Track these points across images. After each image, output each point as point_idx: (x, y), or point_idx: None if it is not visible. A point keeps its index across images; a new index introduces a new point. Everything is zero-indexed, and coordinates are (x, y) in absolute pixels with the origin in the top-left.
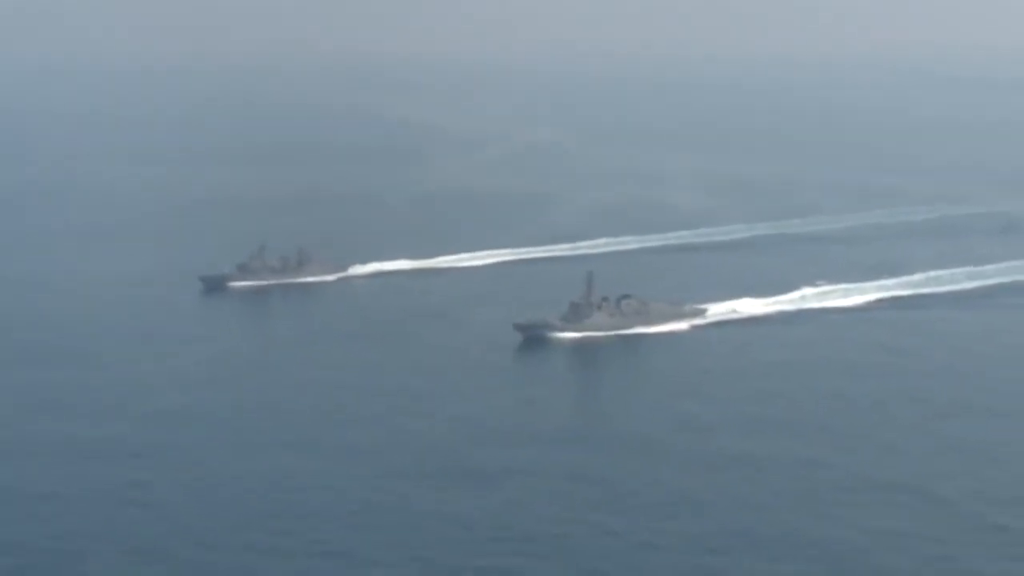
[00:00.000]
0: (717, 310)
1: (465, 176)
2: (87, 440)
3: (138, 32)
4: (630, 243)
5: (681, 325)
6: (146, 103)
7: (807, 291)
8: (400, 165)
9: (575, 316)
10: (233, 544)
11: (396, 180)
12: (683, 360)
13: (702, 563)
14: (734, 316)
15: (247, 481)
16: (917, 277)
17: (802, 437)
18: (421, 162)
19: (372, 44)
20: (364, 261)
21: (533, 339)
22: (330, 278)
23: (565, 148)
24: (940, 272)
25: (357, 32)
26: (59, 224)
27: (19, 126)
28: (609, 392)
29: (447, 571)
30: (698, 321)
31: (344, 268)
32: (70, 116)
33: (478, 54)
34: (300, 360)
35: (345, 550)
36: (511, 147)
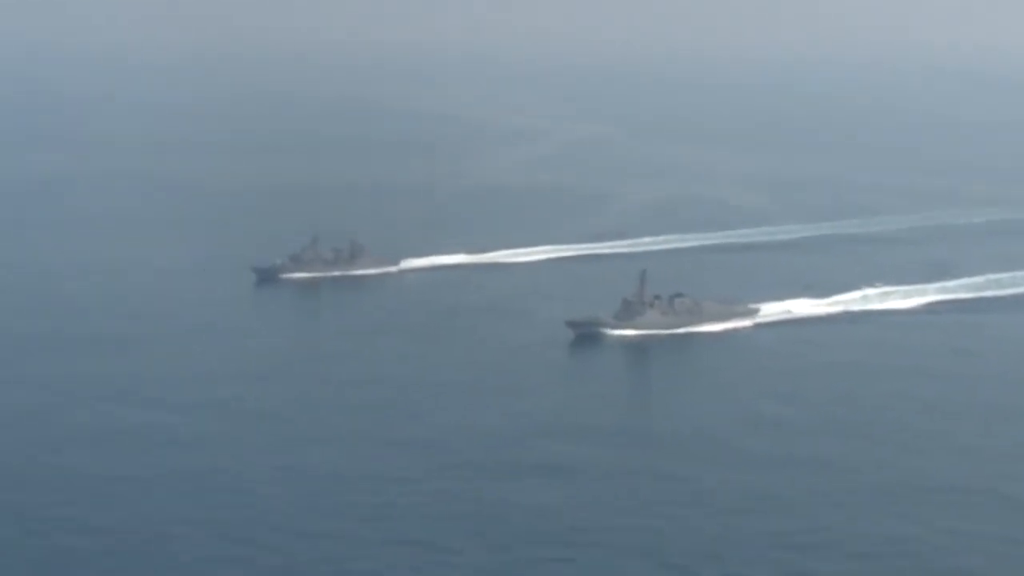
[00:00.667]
0: (770, 310)
1: (514, 170)
2: (159, 427)
3: (170, 22)
4: (683, 241)
5: (734, 324)
6: (187, 93)
7: (861, 292)
8: (450, 159)
9: (627, 314)
10: (314, 532)
11: (446, 173)
12: (737, 359)
13: (783, 558)
14: (787, 316)
15: (320, 471)
16: (975, 280)
17: (867, 438)
18: (470, 156)
19: (412, 36)
20: (416, 254)
21: (585, 336)
22: (382, 271)
23: (615, 143)
24: (1000, 275)
25: (397, 25)
26: (114, 212)
27: (63, 113)
28: (665, 390)
29: (527, 562)
30: (751, 321)
31: (396, 261)
32: (113, 105)
33: (519, 48)
34: (355, 353)
35: (424, 539)
36: (559, 142)
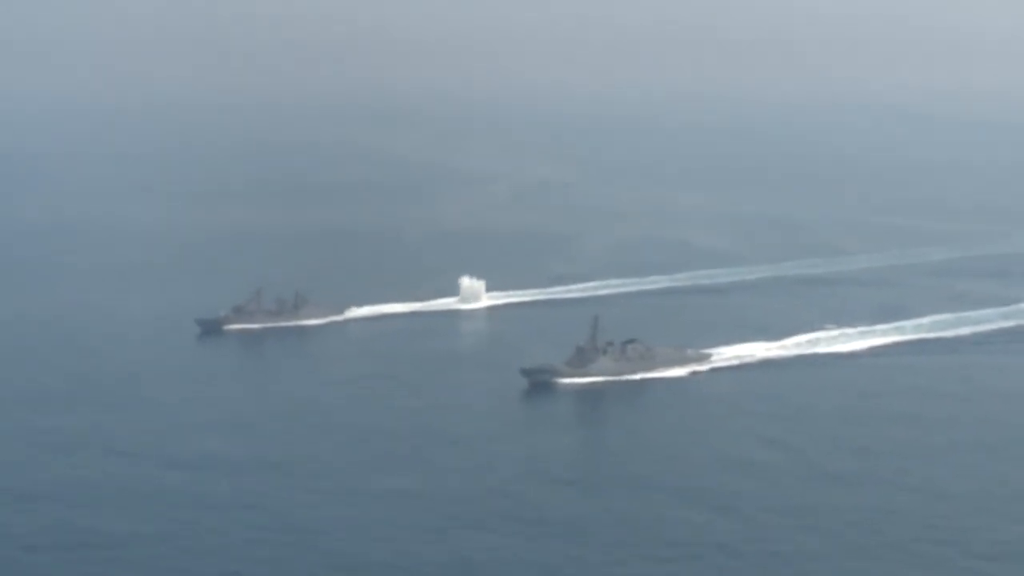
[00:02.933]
0: (724, 354)
1: (465, 216)
2: (113, 480)
3: (131, 69)
4: (637, 285)
5: (686, 371)
6: (140, 141)
7: (815, 335)
8: (398, 204)
9: (580, 361)
10: None
11: (394, 219)
12: (688, 406)
13: None
14: (741, 361)
15: (307, 527)
16: (929, 319)
17: (820, 479)
18: (420, 201)
19: (367, 82)
20: (361, 303)
21: (539, 384)
22: (328, 320)
23: (570, 186)
24: (953, 315)
25: (353, 69)
26: (58, 263)
27: (11, 164)
28: (616, 438)
29: None
30: (703, 367)
31: (341, 311)
32: (60, 155)
33: (475, 91)
34: (304, 405)
35: None
36: (514, 185)
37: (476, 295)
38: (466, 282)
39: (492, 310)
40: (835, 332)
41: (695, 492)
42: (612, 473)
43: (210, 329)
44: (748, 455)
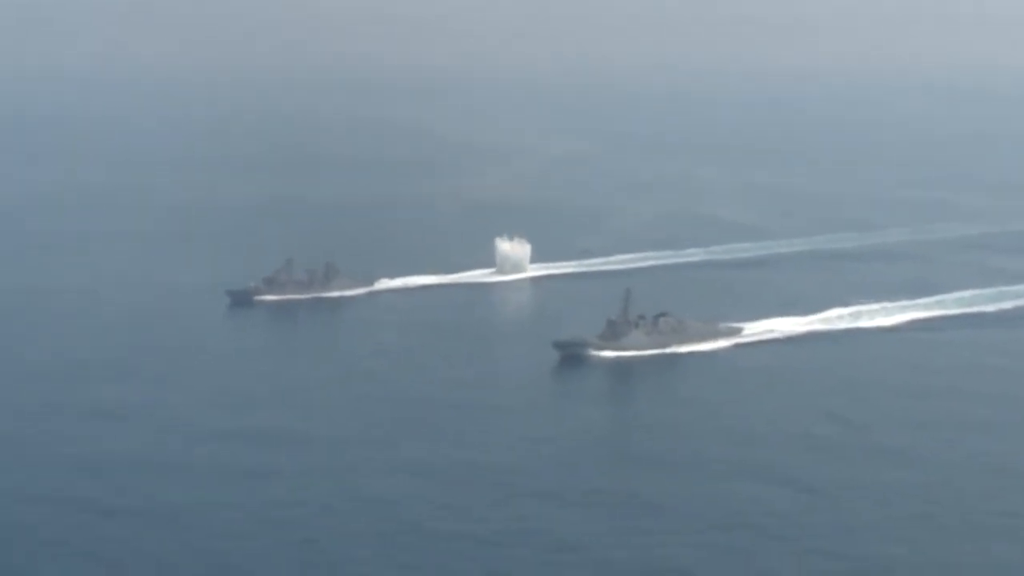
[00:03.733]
0: (754, 329)
1: (494, 188)
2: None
3: (154, 41)
4: (668, 258)
5: (717, 345)
6: (166, 111)
7: (846, 310)
8: (427, 176)
9: (612, 334)
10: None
11: (423, 191)
12: (720, 380)
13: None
14: (771, 335)
15: (361, 502)
16: (962, 295)
17: (850, 456)
18: (449, 173)
19: (393, 56)
20: (392, 275)
21: (571, 357)
22: (358, 292)
23: (597, 160)
24: (987, 290)
25: (377, 44)
26: (87, 233)
27: (44, 131)
28: (649, 412)
29: None
30: (735, 340)
31: (371, 282)
32: (89, 124)
33: (505, 69)
34: (339, 377)
35: (433, 564)
36: (542, 158)
37: (518, 265)
38: (507, 250)
39: (522, 282)
40: (868, 307)
41: (743, 466)
42: (658, 447)
43: (240, 300)
44: (791, 427)
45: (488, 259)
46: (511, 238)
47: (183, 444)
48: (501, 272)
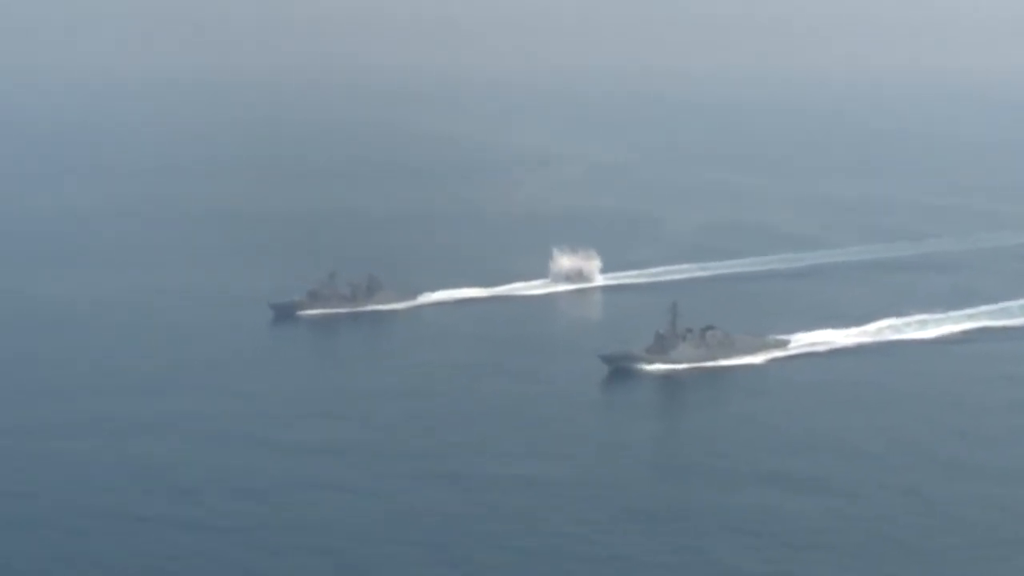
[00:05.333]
0: (801, 341)
1: (536, 198)
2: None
3: (185, 47)
4: (709, 269)
5: (765, 357)
6: (203, 119)
7: (895, 320)
8: (467, 186)
9: (660, 347)
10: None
11: (465, 202)
12: (766, 394)
13: None
14: (818, 348)
15: (414, 516)
16: (1013, 305)
17: (894, 468)
18: (489, 183)
19: (429, 63)
20: (434, 288)
21: (619, 371)
22: (401, 306)
23: (643, 169)
24: None
25: (414, 51)
26: (131, 245)
27: (81, 141)
28: (699, 426)
29: None
30: (782, 353)
31: (414, 296)
32: (129, 131)
33: (541, 76)
34: (387, 391)
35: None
36: (584, 168)
37: (586, 278)
38: (570, 262)
39: (568, 294)
40: (916, 317)
41: (807, 481)
42: (706, 461)
43: (284, 313)
44: (846, 442)
45: (531, 271)
46: (574, 250)
47: (228, 457)
48: (555, 283)
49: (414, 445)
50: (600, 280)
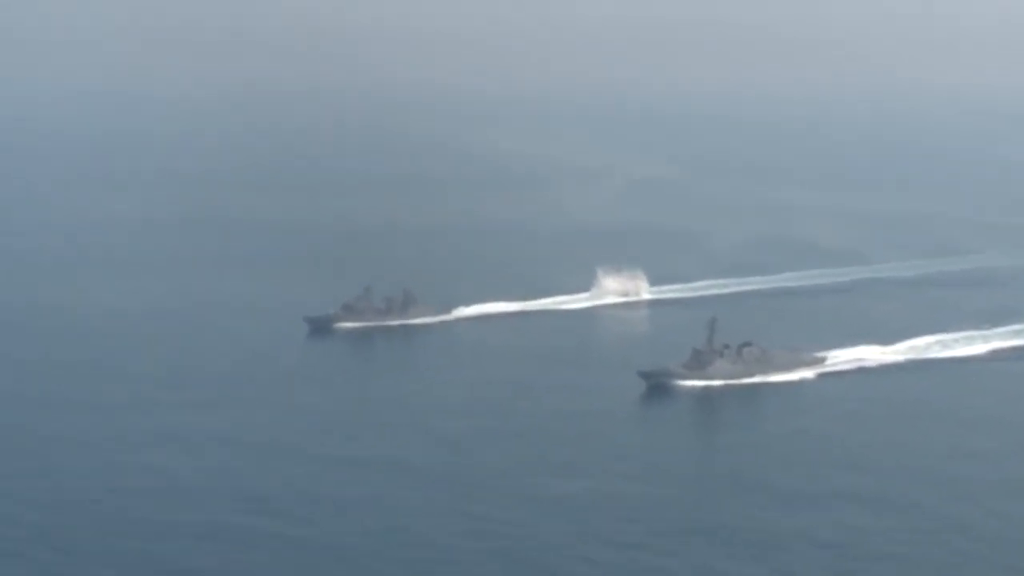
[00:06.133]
0: (838, 358)
1: (571, 212)
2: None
3: (231, 57)
4: (751, 284)
5: (802, 374)
6: (237, 130)
7: (933, 338)
8: (501, 200)
9: (697, 363)
10: None
11: (500, 215)
12: (802, 412)
13: None
14: (855, 365)
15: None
16: None
17: (929, 487)
18: (524, 197)
19: (466, 77)
20: (469, 302)
21: (657, 387)
22: (435, 320)
23: (677, 183)
24: None
25: (452, 65)
26: (168, 256)
27: (118, 152)
28: (734, 444)
29: None
30: (818, 370)
31: (449, 310)
32: (161, 143)
33: (573, 90)
34: (428, 406)
35: None
36: (620, 183)
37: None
38: (617, 284)
39: (604, 309)
40: (955, 335)
41: (857, 497)
42: (746, 479)
43: (319, 327)
44: (884, 460)
45: (568, 284)
46: (619, 270)
47: (296, 473)
48: (593, 297)
49: (474, 461)
50: (634, 287)
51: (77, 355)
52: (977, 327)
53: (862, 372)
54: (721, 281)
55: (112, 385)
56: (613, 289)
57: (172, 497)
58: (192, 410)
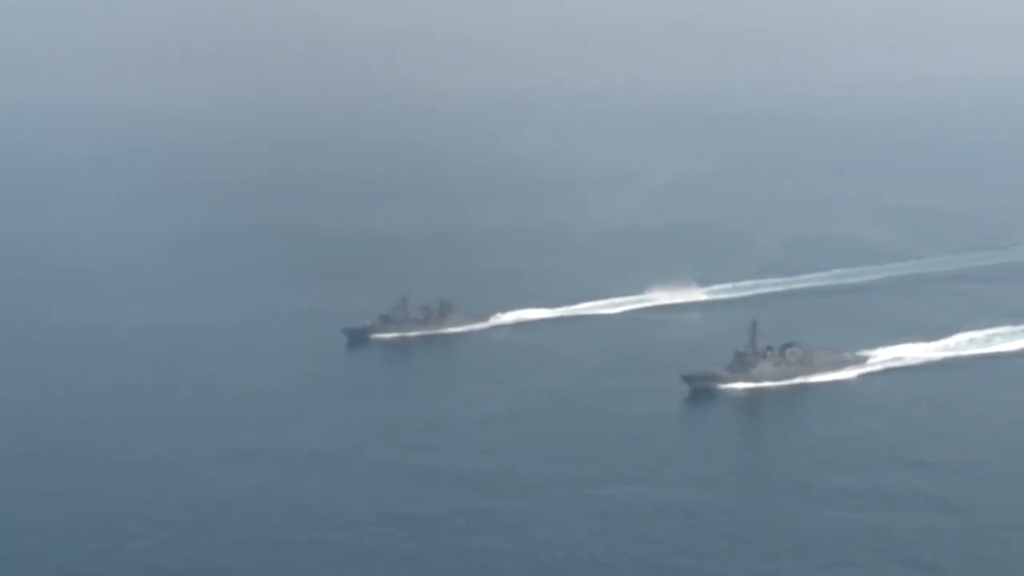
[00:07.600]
0: (880, 356)
1: (608, 215)
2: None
3: (265, 68)
4: (792, 283)
5: (844, 374)
6: (272, 140)
7: (976, 334)
8: (537, 204)
9: (741, 366)
10: None
11: (535, 221)
12: (846, 412)
13: None
14: (898, 363)
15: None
16: None
17: (978, 479)
18: (558, 201)
19: (500, 84)
20: (506, 309)
21: (701, 390)
22: (473, 328)
23: (715, 183)
24: None
25: (485, 72)
26: (207, 270)
27: (149, 168)
28: (779, 447)
29: None
30: (861, 369)
31: (486, 318)
32: (191, 156)
33: (601, 93)
34: (468, 417)
35: None
36: (656, 184)
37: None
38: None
39: (644, 312)
40: (996, 330)
41: (918, 498)
42: (799, 480)
43: (357, 338)
44: (936, 460)
45: (605, 289)
46: (668, 281)
47: (369, 486)
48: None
49: (518, 469)
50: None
51: (115, 378)
52: (1018, 322)
53: (905, 370)
54: (766, 280)
55: (167, 401)
56: (663, 302)
57: (260, 515)
58: (259, 425)
